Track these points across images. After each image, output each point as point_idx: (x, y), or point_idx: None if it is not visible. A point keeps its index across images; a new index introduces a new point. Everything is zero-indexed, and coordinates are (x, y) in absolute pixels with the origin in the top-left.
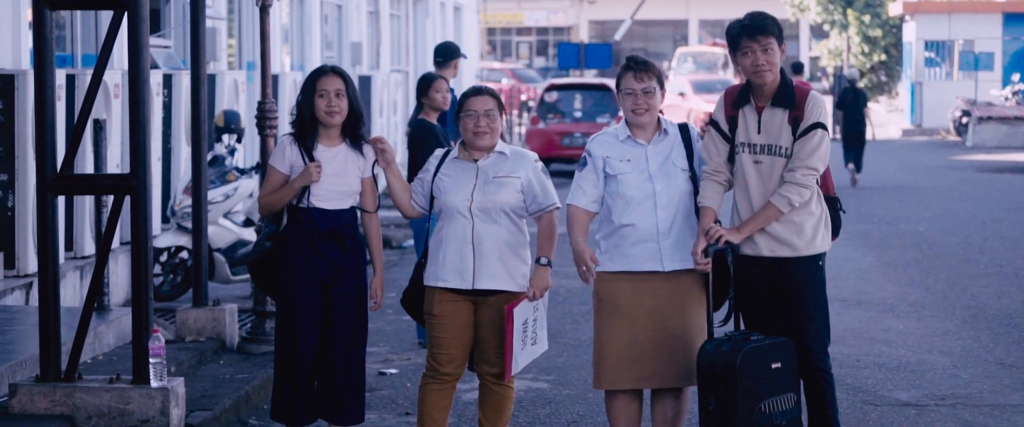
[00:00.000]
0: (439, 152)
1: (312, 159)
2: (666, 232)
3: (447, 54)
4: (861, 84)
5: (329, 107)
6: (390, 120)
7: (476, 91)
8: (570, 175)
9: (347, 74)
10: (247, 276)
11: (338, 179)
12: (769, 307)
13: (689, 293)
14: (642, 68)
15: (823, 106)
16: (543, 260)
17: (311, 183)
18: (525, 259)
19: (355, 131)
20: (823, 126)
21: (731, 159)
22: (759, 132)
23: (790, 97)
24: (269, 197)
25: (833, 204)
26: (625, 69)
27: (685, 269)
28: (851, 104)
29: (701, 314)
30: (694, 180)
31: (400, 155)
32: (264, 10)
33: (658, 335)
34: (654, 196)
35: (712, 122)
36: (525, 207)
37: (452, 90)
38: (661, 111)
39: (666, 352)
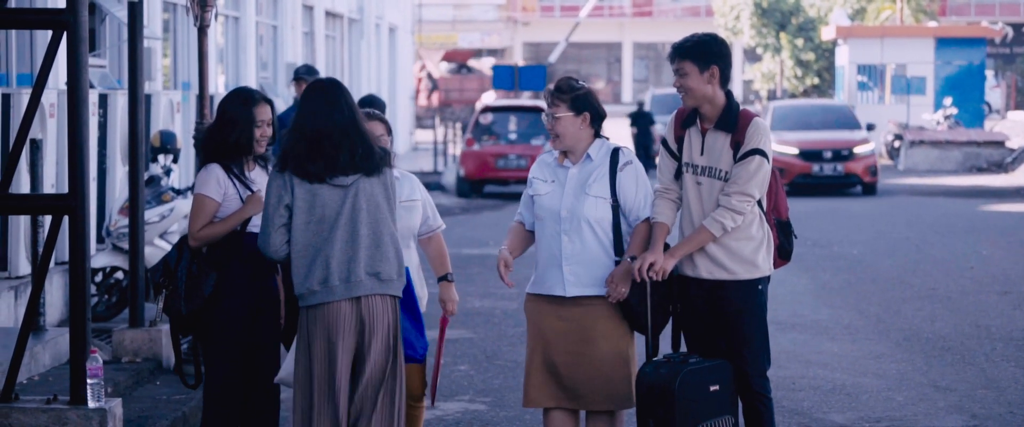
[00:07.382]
0: None
1: (247, 187)
2: (570, 258)
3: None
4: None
5: (262, 135)
6: None
7: (367, 116)
8: (505, 196)
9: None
10: None
11: None
12: (710, 329)
13: (602, 319)
14: (554, 94)
15: (765, 133)
16: (450, 276)
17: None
18: (420, 281)
19: (264, 154)
20: (762, 153)
21: (680, 177)
22: (702, 153)
23: (733, 122)
24: (209, 229)
25: (785, 228)
26: (546, 93)
27: (593, 295)
28: (641, 123)
29: (623, 341)
30: (615, 208)
31: None
32: (202, 31)
33: (572, 358)
34: (559, 221)
35: (662, 141)
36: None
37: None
38: (603, 135)
39: (584, 375)
